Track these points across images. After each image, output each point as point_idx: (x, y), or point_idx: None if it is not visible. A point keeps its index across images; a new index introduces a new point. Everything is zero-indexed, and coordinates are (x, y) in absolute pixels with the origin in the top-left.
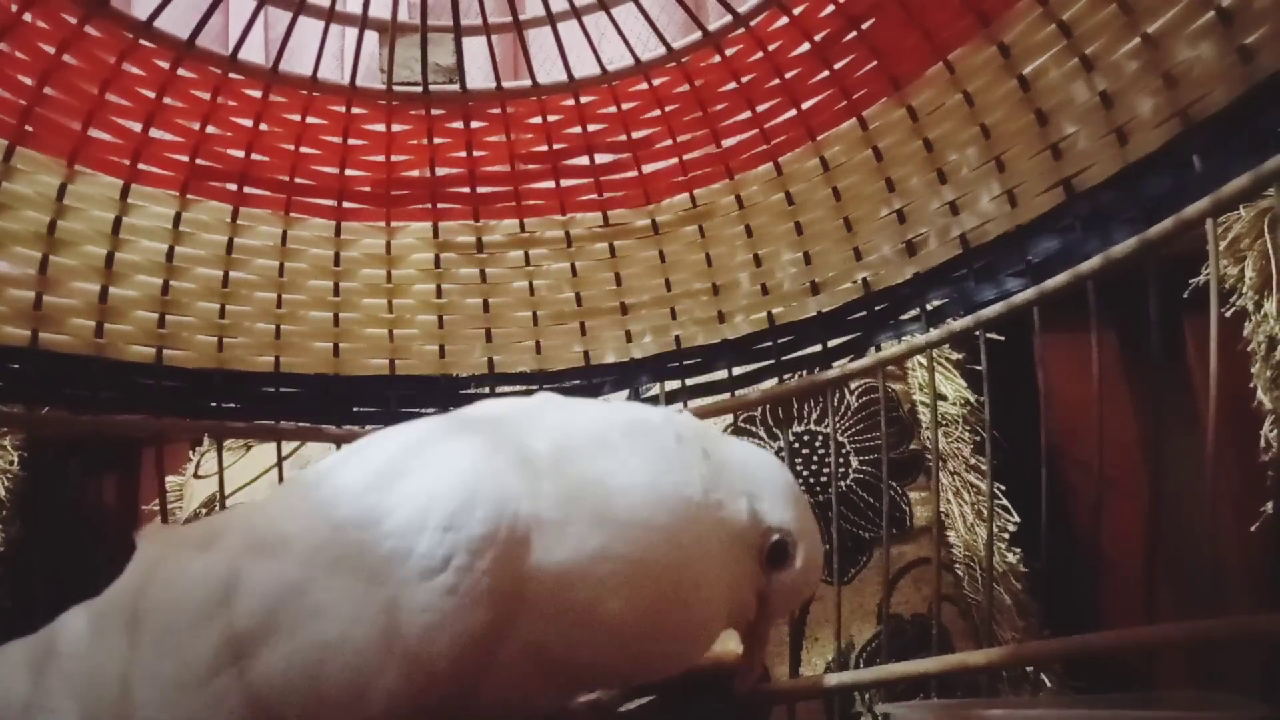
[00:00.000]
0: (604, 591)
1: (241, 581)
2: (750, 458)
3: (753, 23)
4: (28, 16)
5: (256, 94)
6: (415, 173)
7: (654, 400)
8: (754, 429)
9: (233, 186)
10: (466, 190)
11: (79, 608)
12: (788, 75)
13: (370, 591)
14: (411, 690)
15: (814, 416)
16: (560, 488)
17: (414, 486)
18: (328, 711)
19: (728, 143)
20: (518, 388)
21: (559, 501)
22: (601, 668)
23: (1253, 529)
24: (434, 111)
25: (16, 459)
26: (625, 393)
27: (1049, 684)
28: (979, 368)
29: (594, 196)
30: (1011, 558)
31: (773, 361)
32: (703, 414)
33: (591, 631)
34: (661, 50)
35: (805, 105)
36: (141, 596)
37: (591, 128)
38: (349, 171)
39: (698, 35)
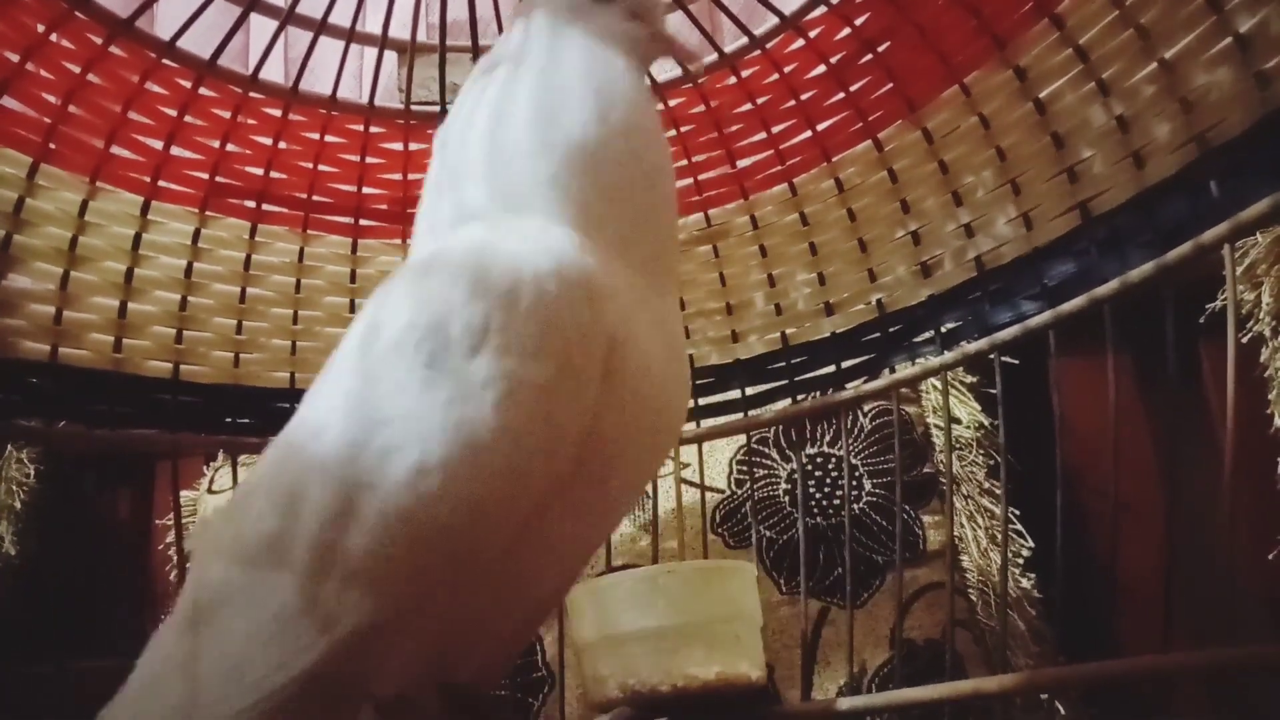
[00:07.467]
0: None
1: (301, 466)
2: None
3: (769, 45)
4: (54, 36)
5: (276, 113)
6: None
7: None
8: (767, 450)
9: (251, 204)
10: None
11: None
12: (803, 97)
13: (430, 407)
14: (530, 475)
15: (827, 438)
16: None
17: (416, 298)
18: (458, 532)
19: (743, 163)
20: None
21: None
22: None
23: (1271, 556)
24: None
25: (33, 472)
26: None
27: (1064, 712)
28: (994, 391)
29: None
30: (1026, 583)
31: (786, 382)
32: (715, 434)
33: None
34: (678, 72)
35: (820, 127)
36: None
37: None
38: (366, 189)
39: (714, 57)
